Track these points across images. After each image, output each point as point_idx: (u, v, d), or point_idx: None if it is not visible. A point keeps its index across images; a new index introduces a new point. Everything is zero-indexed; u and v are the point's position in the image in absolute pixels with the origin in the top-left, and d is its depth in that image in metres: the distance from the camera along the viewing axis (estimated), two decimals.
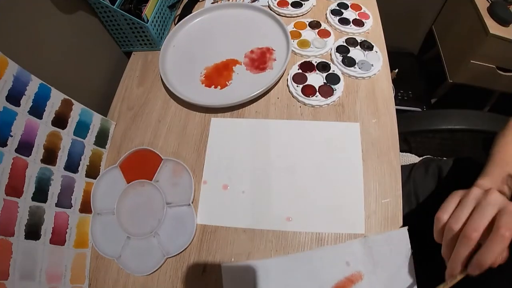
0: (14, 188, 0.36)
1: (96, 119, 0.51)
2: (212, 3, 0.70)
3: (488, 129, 0.62)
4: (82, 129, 0.48)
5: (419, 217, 0.48)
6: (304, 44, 0.60)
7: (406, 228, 0.40)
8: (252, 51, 0.60)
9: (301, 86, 0.54)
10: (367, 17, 0.63)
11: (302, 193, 0.45)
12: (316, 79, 0.55)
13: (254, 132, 0.51)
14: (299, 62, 0.57)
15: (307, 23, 0.63)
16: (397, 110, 0.51)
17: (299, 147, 0.49)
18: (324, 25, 0.62)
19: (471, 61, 1.04)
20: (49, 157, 0.41)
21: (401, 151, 0.71)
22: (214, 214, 0.45)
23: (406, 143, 0.77)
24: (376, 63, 0.55)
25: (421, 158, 0.67)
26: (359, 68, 0.55)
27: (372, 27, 0.62)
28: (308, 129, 0.50)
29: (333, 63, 0.57)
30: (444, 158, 0.62)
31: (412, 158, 0.70)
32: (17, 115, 0.37)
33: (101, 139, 0.52)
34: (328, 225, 0.43)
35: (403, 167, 0.61)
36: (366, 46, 0.58)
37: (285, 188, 0.46)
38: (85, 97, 0.50)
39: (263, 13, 0.64)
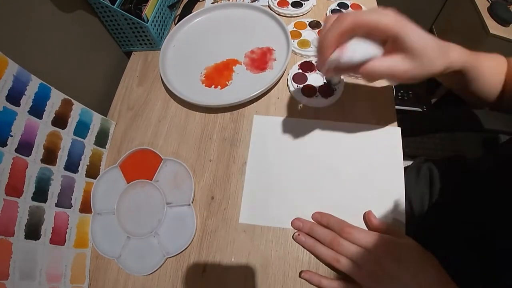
0: (14, 188, 0.36)
1: (96, 119, 0.51)
2: (212, 3, 0.70)
3: (488, 128, 0.61)
4: (82, 129, 0.48)
5: (413, 222, 0.48)
6: (304, 44, 0.60)
7: None
8: (252, 51, 0.60)
9: (301, 86, 0.54)
10: None
11: (345, 196, 0.45)
12: (316, 79, 0.55)
13: (295, 131, 0.51)
14: (299, 62, 0.57)
15: (307, 23, 0.63)
16: (397, 110, 0.51)
17: (341, 148, 0.48)
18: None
19: None
20: (49, 157, 0.41)
21: None
22: (257, 214, 0.45)
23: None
24: None
25: (412, 160, 0.66)
26: None
27: None
28: (349, 131, 0.50)
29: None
30: (435, 159, 0.61)
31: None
32: (17, 115, 0.37)
33: (101, 139, 0.52)
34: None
35: None
36: None
37: (329, 190, 0.45)
38: (85, 97, 0.50)
39: (263, 13, 0.64)
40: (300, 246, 0.42)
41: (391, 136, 0.48)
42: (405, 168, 0.61)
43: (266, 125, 0.52)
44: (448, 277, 0.32)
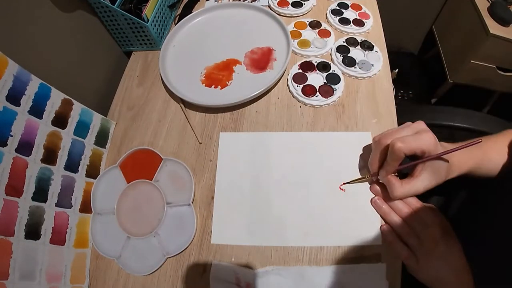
0: (14, 188, 0.36)
1: (96, 119, 0.51)
2: (215, 1, 0.70)
3: (490, 131, 0.61)
4: (82, 129, 0.48)
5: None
6: (304, 44, 0.60)
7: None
8: (252, 51, 0.60)
9: (301, 86, 0.54)
10: (368, 17, 0.63)
11: (318, 207, 0.44)
12: (316, 79, 0.55)
13: (264, 146, 0.50)
14: (299, 62, 0.57)
15: (308, 23, 0.63)
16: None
17: (312, 159, 0.48)
18: (324, 25, 0.62)
19: (471, 61, 1.04)
20: (49, 157, 0.41)
21: None
22: (229, 234, 0.44)
23: None
24: (376, 63, 0.55)
25: None
26: (359, 68, 0.55)
27: (373, 27, 0.62)
28: (320, 140, 0.49)
29: (333, 63, 0.57)
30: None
31: None
32: (17, 114, 0.37)
33: (101, 139, 0.52)
34: (345, 238, 0.42)
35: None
36: (367, 46, 0.58)
37: (300, 202, 0.45)
38: (85, 97, 0.50)
39: (263, 13, 0.64)
40: (300, 247, 0.42)
41: (362, 141, 0.48)
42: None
43: (233, 141, 0.51)
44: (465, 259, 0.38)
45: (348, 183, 0.45)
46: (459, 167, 0.41)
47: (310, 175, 0.46)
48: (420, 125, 0.40)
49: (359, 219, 0.43)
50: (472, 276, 0.36)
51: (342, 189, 0.45)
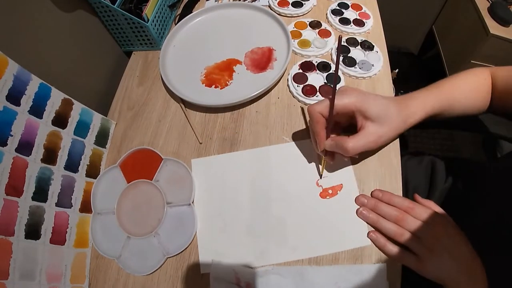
0: (14, 188, 0.36)
1: (96, 119, 0.51)
2: (215, 1, 0.70)
3: (488, 131, 0.61)
4: (82, 128, 0.48)
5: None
6: (304, 44, 0.60)
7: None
8: (252, 51, 0.60)
9: (301, 86, 0.54)
10: (368, 17, 0.63)
11: (302, 219, 0.43)
12: (316, 79, 0.55)
13: (238, 166, 0.48)
14: (300, 62, 0.57)
15: (308, 23, 0.63)
16: None
17: (287, 172, 0.47)
18: (324, 25, 0.62)
19: (471, 61, 1.04)
20: (49, 156, 0.41)
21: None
22: (217, 258, 0.42)
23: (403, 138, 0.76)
24: (377, 63, 0.55)
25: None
26: (360, 68, 0.55)
27: (373, 27, 0.62)
28: (287, 152, 0.49)
29: (333, 63, 0.57)
30: (438, 155, 0.62)
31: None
32: (17, 114, 0.37)
33: (101, 138, 0.52)
34: (336, 245, 0.41)
35: None
36: (367, 46, 0.58)
37: (284, 218, 0.44)
38: (85, 97, 0.50)
39: (263, 13, 0.64)
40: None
41: None
42: (407, 158, 0.61)
43: (205, 166, 0.49)
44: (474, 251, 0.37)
45: (321, 176, 0.45)
46: (421, 109, 0.41)
47: (289, 187, 0.46)
48: (342, 87, 0.42)
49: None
50: (483, 264, 0.35)
51: (319, 185, 0.45)
